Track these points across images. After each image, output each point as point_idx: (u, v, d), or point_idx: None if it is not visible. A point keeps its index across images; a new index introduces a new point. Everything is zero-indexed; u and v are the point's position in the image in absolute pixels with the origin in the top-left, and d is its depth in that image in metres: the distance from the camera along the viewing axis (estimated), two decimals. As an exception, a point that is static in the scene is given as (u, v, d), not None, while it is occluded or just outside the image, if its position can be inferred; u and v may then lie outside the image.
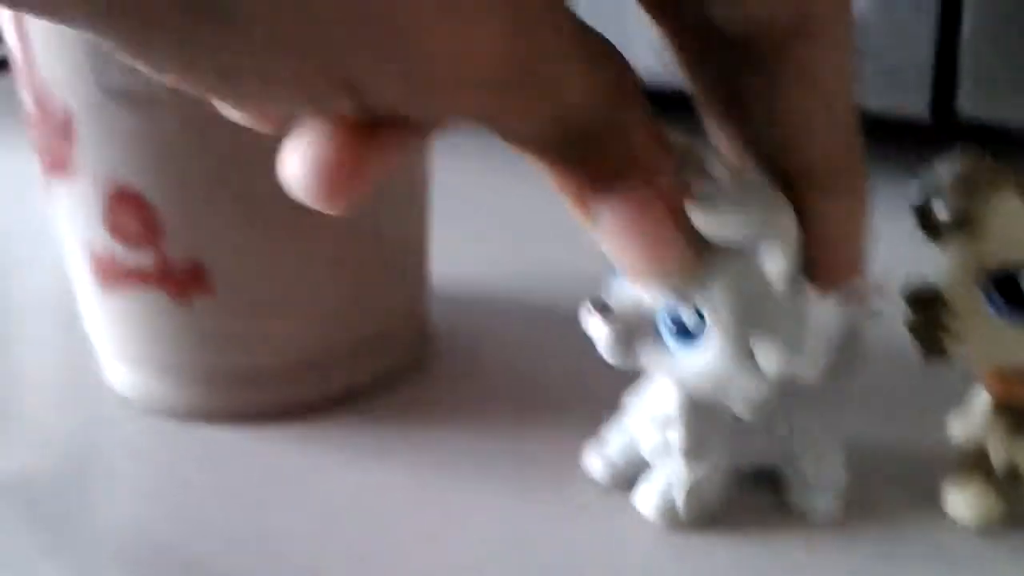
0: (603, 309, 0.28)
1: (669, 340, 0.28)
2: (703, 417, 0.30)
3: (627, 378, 0.34)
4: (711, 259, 0.25)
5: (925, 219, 0.28)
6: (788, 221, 0.25)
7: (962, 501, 0.31)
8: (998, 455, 0.30)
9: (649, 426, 0.32)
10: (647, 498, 0.32)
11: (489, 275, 0.50)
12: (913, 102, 0.55)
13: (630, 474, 0.33)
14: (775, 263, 0.25)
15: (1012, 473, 0.30)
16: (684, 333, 0.27)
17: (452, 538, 0.32)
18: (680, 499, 0.31)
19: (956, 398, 0.31)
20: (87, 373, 0.42)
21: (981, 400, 0.30)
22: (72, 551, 0.32)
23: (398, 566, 0.31)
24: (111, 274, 0.38)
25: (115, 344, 0.40)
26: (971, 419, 0.31)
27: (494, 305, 0.47)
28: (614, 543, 0.32)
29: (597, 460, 0.34)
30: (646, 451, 0.32)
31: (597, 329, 0.28)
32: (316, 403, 0.39)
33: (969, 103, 0.53)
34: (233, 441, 0.38)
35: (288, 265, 0.38)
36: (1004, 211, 0.27)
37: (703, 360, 0.27)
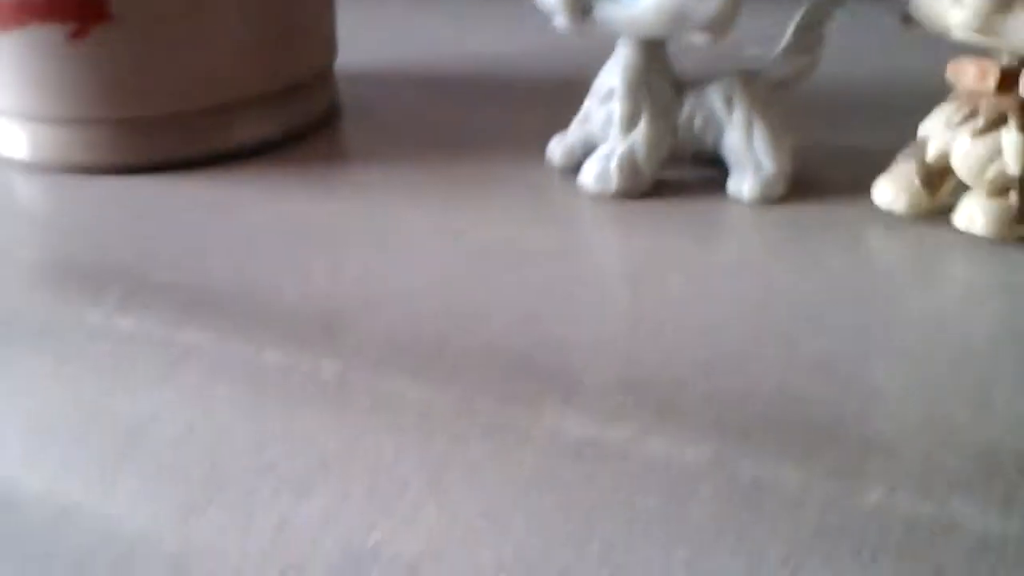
0: None
1: None
2: (642, 89, 0.32)
3: (531, 124, 0.36)
4: None
5: None
6: None
7: (889, 190, 0.31)
8: (936, 145, 0.30)
9: (597, 103, 0.33)
10: (587, 169, 0.33)
11: (388, 56, 0.49)
12: None
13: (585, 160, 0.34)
14: None
15: (943, 166, 0.30)
16: None
17: (389, 249, 0.31)
18: (614, 168, 0.32)
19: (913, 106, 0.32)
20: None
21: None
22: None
23: (333, 275, 0.30)
24: (-4, 12, 0.35)
25: (2, 98, 0.37)
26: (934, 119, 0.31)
27: (395, 79, 0.46)
28: (550, 225, 0.32)
29: (557, 147, 0.35)
30: (596, 129, 0.33)
31: None
32: (227, 153, 0.38)
33: None
34: (142, 187, 0.36)
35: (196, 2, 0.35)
36: None
37: None
